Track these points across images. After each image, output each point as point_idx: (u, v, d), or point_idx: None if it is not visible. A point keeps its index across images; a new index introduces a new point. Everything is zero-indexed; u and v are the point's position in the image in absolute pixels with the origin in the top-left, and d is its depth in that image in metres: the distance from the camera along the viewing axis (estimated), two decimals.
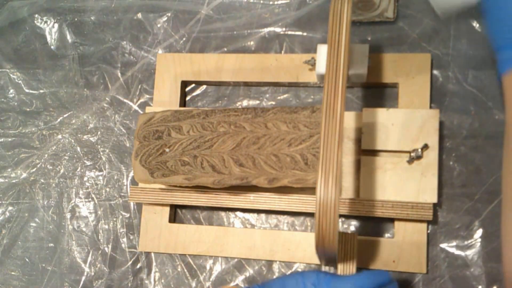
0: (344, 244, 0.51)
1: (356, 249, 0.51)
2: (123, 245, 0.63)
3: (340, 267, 0.49)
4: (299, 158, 0.47)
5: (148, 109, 0.62)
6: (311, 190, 0.48)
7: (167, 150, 0.52)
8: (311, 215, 0.59)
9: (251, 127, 0.49)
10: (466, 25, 0.59)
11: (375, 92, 0.60)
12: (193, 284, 0.61)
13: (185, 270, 0.61)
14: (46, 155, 0.68)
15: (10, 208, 0.68)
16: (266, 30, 0.64)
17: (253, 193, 0.56)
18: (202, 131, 0.51)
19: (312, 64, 0.58)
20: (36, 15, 0.71)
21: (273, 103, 0.63)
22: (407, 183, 0.53)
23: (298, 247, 0.57)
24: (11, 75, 0.71)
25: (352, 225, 0.58)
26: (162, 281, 0.61)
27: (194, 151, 0.51)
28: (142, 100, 0.67)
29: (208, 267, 0.61)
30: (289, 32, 0.64)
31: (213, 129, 0.51)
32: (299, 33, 0.63)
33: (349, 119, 0.56)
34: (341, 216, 0.58)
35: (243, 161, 0.49)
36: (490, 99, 0.57)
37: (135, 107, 0.67)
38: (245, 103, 0.64)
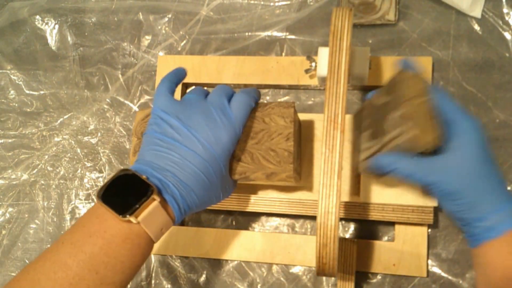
0: (344, 250, 0.52)
1: (355, 255, 0.51)
2: None
3: (339, 275, 0.49)
4: None
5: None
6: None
7: None
8: (311, 218, 0.59)
9: (249, 122, 0.49)
10: (466, 26, 0.59)
11: None
12: (193, 287, 0.60)
13: (185, 272, 0.61)
14: (46, 156, 0.68)
15: (10, 209, 0.67)
16: (266, 32, 0.64)
17: (253, 195, 0.56)
18: None
19: (313, 69, 0.58)
20: (37, 16, 0.71)
21: None
22: (407, 186, 0.53)
23: (298, 250, 0.57)
24: (12, 76, 0.71)
25: (352, 228, 0.58)
26: (162, 283, 0.61)
27: None
28: (142, 101, 0.67)
29: (208, 270, 0.61)
30: (290, 34, 0.63)
31: None
32: (300, 35, 0.63)
33: (350, 122, 0.56)
34: (341, 219, 0.58)
35: (242, 156, 0.48)
36: (491, 101, 0.57)
37: (135, 108, 0.67)
38: None
